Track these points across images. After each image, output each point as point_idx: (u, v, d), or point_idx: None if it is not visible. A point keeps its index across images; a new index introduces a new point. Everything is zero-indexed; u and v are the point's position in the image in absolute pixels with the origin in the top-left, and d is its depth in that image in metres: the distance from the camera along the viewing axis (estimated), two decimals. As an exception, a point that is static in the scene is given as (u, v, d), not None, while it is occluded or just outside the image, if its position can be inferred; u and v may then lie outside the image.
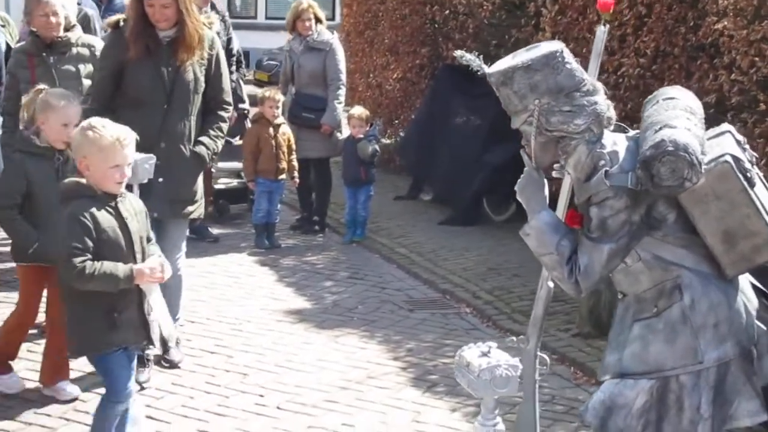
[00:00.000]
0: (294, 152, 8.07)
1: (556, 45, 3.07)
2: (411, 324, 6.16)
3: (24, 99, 4.76)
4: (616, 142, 3.09)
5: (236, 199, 9.04)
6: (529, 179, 3.21)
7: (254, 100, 8.50)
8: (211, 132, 5.16)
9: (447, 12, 9.88)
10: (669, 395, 3.10)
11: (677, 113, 3.06)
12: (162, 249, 4.20)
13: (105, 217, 3.81)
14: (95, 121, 3.91)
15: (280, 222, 8.28)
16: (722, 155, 3.03)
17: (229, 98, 5.30)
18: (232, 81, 8.05)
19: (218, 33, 7.64)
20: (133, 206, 3.98)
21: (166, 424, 4.59)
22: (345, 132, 8.47)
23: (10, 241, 4.97)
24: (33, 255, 4.59)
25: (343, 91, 8.39)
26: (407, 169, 10.40)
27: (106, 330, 3.82)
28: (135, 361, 4.07)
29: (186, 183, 5.09)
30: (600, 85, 3.13)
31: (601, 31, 3.43)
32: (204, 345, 5.60)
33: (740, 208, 3.02)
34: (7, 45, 6.67)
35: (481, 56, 3.19)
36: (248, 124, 8.44)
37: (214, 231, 8.22)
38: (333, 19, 18.97)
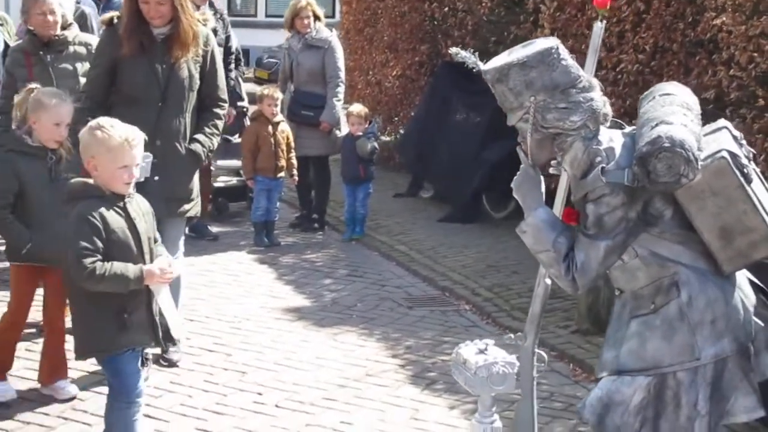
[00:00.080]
0: (293, 150, 8.06)
1: (552, 42, 3.06)
2: (410, 321, 6.16)
3: (16, 98, 4.74)
4: (612, 138, 3.08)
5: (235, 197, 9.03)
6: (526, 176, 3.20)
7: (253, 98, 8.49)
8: (207, 129, 5.14)
9: (446, 9, 9.88)
10: (666, 392, 3.10)
11: (674, 109, 3.05)
12: None
13: (114, 218, 3.77)
14: (104, 120, 3.87)
15: (279, 220, 8.28)
16: (719, 151, 3.03)
17: (224, 95, 5.28)
18: (231, 79, 8.08)
19: (216, 31, 7.66)
20: (140, 207, 3.94)
21: (164, 423, 4.58)
22: (344, 129, 8.46)
23: (3, 240, 4.95)
24: (26, 255, 4.58)
25: (342, 89, 8.38)
26: (407, 166, 10.39)
27: (116, 331, 3.78)
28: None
29: (182, 181, 5.07)
30: (596, 82, 3.12)
31: (598, 27, 3.42)
32: (203, 343, 5.60)
33: (737, 204, 3.02)
34: (5, 44, 6.67)
35: (477, 53, 3.19)
36: (247, 122, 8.44)
37: (214, 229, 8.22)
38: (333, 16, 18.97)
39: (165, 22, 4.94)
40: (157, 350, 4.96)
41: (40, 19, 5.66)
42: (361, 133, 8.03)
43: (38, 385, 4.81)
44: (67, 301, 5.16)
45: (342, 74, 8.38)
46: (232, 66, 8.20)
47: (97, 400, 4.71)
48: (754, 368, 3.15)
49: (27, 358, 5.10)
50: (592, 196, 3.01)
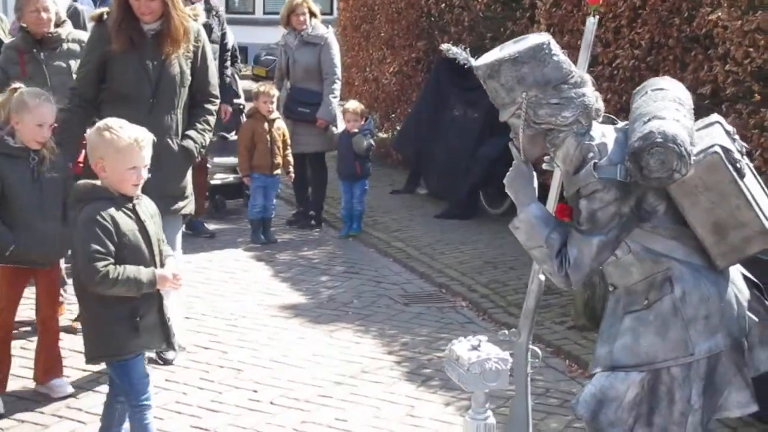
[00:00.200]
0: (289, 147, 8.05)
1: (543, 37, 3.05)
2: (406, 318, 6.15)
3: (0, 97, 4.69)
4: (604, 133, 3.07)
5: (232, 194, 9.02)
6: (518, 172, 3.19)
7: (250, 95, 8.48)
8: (198, 125, 5.12)
9: (443, 5, 9.87)
10: (660, 387, 3.09)
11: (666, 104, 3.04)
12: None
13: (124, 220, 3.72)
14: (111, 121, 3.80)
15: (276, 217, 8.28)
16: (711, 146, 3.02)
17: (215, 91, 5.25)
18: (227, 76, 8.07)
19: (212, 27, 7.66)
20: (148, 208, 3.89)
21: (159, 420, 4.54)
22: (341, 126, 8.45)
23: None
24: (11, 257, 4.51)
25: (338, 86, 8.37)
26: (404, 162, 10.38)
27: (129, 335, 3.73)
28: None
29: (175, 178, 5.03)
30: (588, 77, 3.11)
31: (591, 23, 3.41)
32: (198, 341, 5.59)
33: (730, 199, 3.01)
34: (0, 41, 6.65)
35: (467, 49, 3.17)
36: (244, 119, 8.43)
37: (210, 226, 8.22)
38: (331, 13, 18.96)
39: (155, 18, 4.90)
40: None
41: (34, 16, 5.65)
42: (357, 130, 8.03)
43: (33, 384, 4.80)
44: (61, 300, 5.20)
45: (338, 71, 8.37)
46: (228, 63, 8.19)
47: (91, 398, 4.71)
48: (747, 363, 3.16)
49: (22, 357, 5.08)
50: (585, 191, 3.00)
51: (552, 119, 3.03)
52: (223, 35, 8.09)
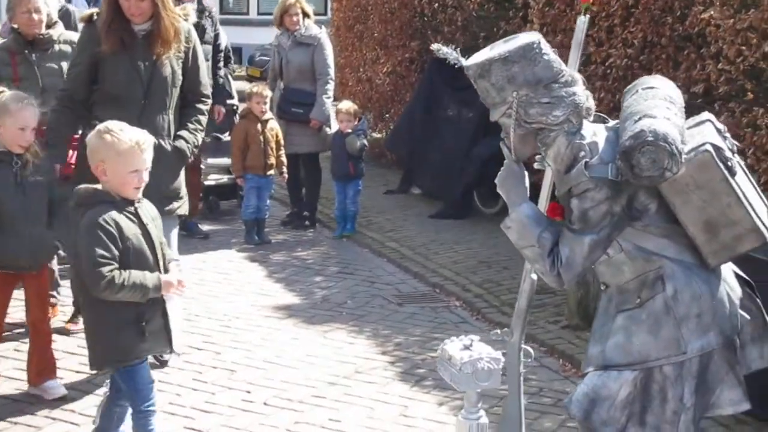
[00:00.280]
0: (282, 148, 8.05)
1: (534, 36, 3.05)
2: (400, 318, 6.15)
3: None
4: (595, 132, 3.07)
5: (226, 195, 9.01)
6: (509, 172, 3.19)
7: (243, 96, 8.47)
8: (190, 125, 5.10)
9: (436, 5, 9.87)
10: (652, 386, 3.09)
11: (657, 103, 3.04)
12: None
13: (127, 224, 3.69)
14: (112, 124, 3.78)
15: (270, 217, 8.27)
16: (702, 144, 3.02)
17: (207, 91, 5.24)
18: (220, 77, 8.06)
19: (205, 28, 7.64)
20: (149, 212, 3.87)
21: (152, 422, 4.56)
22: (334, 127, 8.44)
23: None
24: None
25: (331, 86, 8.36)
26: (398, 162, 10.38)
27: (135, 340, 3.71)
28: None
29: (168, 179, 5.01)
30: (578, 76, 3.11)
31: (581, 21, 3.41)
32: (192, 341, 5.58)
33: (721, 198, 3.01)
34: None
35: (460, 49, 3.17)
36: (237, 120, 8.42)
37: (204, 227, 8.20)
38: (325, 13, 18.97)
39: (145, 19, 4.88)
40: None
41: (25, 17, 5.63)
42: (350, 130, 8.02)
43: (26, 385, 4.79)
44: (51, 301, 5.18)
45: (331, 71, 8.37)
46: (221, 64, 8.18)
47: (85, 399, 4.70)
48: (740, 361, 3.15)
49: (15, 359, 5.08)
50: (576, 191, 3.00)
51: (543, 118, 3.02)
52: (216, 36, 8.08)
